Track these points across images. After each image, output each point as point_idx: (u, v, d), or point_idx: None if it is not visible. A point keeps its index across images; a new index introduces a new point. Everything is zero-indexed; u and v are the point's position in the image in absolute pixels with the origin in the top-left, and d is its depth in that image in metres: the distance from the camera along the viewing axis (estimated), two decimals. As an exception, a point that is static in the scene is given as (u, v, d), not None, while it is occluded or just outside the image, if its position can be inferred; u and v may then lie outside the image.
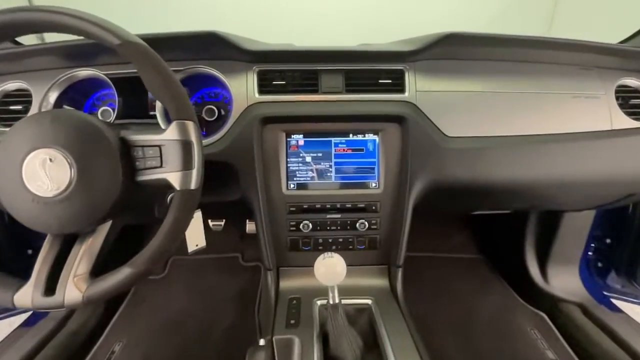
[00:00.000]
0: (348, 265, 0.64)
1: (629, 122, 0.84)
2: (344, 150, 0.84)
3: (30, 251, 1.13)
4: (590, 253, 1.29)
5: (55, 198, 0.48)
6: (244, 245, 1.52)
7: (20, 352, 0.96)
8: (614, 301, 1.19)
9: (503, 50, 0.84)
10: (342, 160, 0.84)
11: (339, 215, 0.85)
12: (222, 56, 0.80)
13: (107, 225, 0.55)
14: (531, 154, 0.81)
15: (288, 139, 0.83)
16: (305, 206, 0.84)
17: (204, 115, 0.80)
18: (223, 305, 1.26)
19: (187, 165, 0.51)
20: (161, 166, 0.52)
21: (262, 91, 0.79)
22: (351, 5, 1.90)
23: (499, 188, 0.86)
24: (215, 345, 1.10)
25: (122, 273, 0.51)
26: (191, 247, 0.81)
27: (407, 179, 0.81)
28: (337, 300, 0.66)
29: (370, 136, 0.84)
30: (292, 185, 0.84)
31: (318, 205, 0.84)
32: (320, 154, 0.84)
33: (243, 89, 0.79)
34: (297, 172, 0.84)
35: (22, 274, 0.53)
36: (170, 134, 0.51)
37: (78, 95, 0.83)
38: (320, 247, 0.87)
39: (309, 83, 0.80)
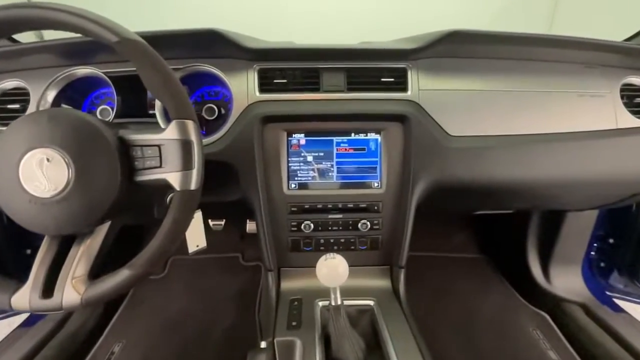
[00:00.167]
0: (350, 266, 0.63)
1: (633, 121, 0.83)
2: (345, 149, 0.83)
3: (29, 251, 1.12)
4: (592, 253, 1.28)
5: (53, 198, 0.48)
6: (244, 245, 1.51)
7: (20, 352, 0.96)
8: (617, 301, 1.19)
9: (507, 48, 0.83)
10: (343, 159, 0.83)
11: (340, 216, 0.84)
12: (222, 54, 0.79)
13: (105, 226, 0.54)
14: (535, 153, 0.81)
15: (289, 138, 0.82)
16: (306, 206, 0.83)
17: (203, 114, 0.79)
18: (223, 305, 1.26)
19: (187, 165, 0.50)
20: (161, 166, 0.51)
21: (262, 90, 0.78)
22: (352, 5, 1.89)
23: (502, 187, 0.85)
24: (216, 346, 1.09)
25: (121, 275, 0.50)
26: (192, 247, 0.80)
27: (409, 178, 0.80)
28: (339, 302, 0.65)
29: (372, 135, 0.83)
30: (293, 185, 0.84)
31: (319, 205, 0.84)
32: (321, 154, 0.83)
33: (243, 87, 0.78)
34: (298, 172, 0.83)
35: (22, 275, 0.52)
36: (170, 133, 0.50)
37: (76, 94, 0.82)
38: (322, 248, 0.86)
39: (310, 81, 0.79)
